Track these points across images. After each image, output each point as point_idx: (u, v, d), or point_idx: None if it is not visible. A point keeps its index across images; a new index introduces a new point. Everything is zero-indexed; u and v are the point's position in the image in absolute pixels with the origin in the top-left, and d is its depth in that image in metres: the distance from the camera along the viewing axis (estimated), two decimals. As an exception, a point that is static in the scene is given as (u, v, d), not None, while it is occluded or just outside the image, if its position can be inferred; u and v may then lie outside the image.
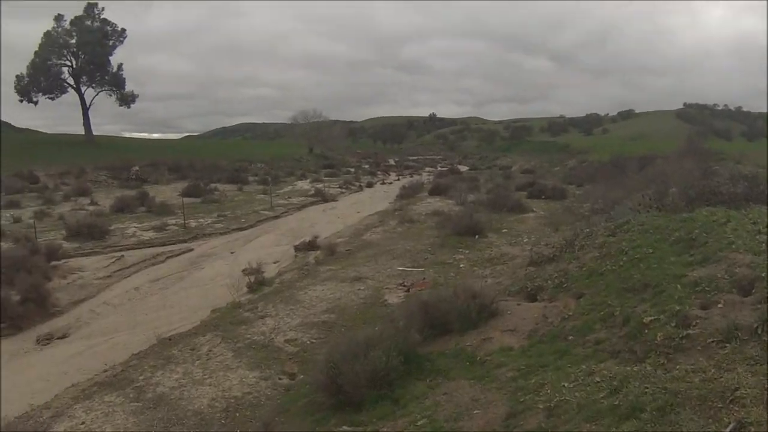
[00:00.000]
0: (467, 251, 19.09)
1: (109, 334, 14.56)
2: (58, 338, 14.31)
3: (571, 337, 8.79)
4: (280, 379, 11.03)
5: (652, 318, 8.04)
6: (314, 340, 12.72)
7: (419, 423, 7.36)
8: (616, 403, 6.11)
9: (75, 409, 10.16)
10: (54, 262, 19.49)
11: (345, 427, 7.99)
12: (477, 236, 20.91)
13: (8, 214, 28.79)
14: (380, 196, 37.68)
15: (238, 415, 9.76)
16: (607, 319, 8.89)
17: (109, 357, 12.79)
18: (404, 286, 15.46)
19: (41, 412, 10.18)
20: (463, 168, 64.21)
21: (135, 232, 26.09)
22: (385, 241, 22.10)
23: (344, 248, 21.32)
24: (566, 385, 7.01)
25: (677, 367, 6.66)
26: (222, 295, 16.85)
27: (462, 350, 9.44)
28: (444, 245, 19.95)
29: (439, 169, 64.89)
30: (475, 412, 7.24)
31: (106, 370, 11.89)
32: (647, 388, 6.19)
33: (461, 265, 17.27)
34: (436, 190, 35.34)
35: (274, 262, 21.12)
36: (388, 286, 15.70)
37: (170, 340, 13.33)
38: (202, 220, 29.90)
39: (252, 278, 17.66)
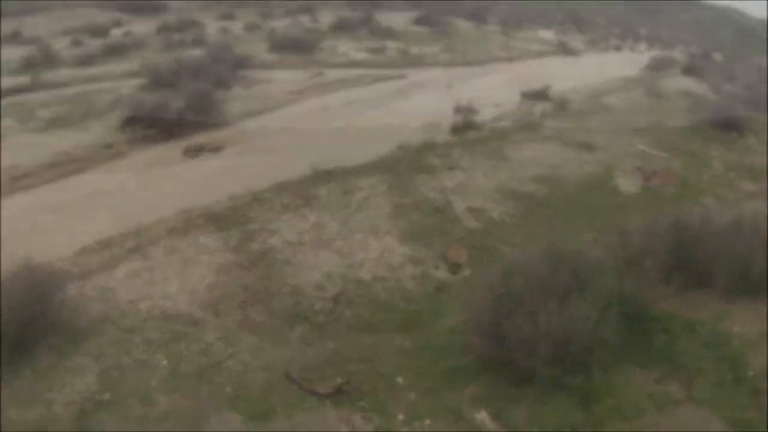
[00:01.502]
0: (722, 148, 14.96)
1: (269, 154, 11.84)
2: (209, 151, 11.93)
3: None
4: (436, 267, 7.24)
5: None
6: (507, 218, 8.99)
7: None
8: None
9: (159, 246, 7.44)
10: (242, 72, 17.12)
11: (484, 414, 4.80)
12: (735, 134, 16.64)
13: (217, 25, 27.47)
14: (627, 62, 31.45)
15: (348, 313, 6.21)
16: None
17: (251, 181, 9.96)
18: (643, 172, 12.30)
19: (125, 241, 7.58)
20: (717, 56, 53.66)
21: (347, 51, 23.13)
22: (627, 110, 17.69)
23: (578, 107, 17.27)
24: None
25: None
26: (419, 131, 13.70)
27: (721, 336, 5.27)
28: (696, 133, 15.86)
29: (692, 50, 54.55)
30: None
31: (231, 198, 9.02)
32: None
33: (714, 164, 13.65)
34: (690, 70, 29.23)
35: (494, 105, 16.88)
36: (623, 166, 12.33)
37: (328, 174, 10.35)
38: (426, 49, 26.16)
39: (460, 118, 14.16)
